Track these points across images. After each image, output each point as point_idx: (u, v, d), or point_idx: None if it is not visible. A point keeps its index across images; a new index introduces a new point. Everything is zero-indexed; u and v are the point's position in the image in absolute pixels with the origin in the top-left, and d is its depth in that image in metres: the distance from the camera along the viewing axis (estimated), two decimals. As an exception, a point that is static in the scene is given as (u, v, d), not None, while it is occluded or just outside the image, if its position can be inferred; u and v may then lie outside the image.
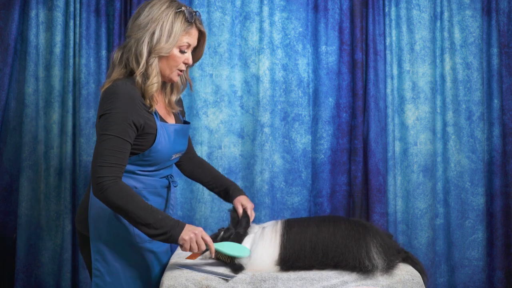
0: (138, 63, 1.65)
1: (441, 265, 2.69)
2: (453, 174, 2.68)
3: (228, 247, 1.67)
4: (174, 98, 1.82)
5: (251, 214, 1.87)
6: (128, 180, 1.67)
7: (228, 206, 2.57)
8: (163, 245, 1.80)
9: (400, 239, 2.62)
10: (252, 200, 2.58)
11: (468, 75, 2.68)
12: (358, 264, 1.59)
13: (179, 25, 1.65)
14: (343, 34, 2.60)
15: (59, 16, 2.54)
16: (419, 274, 1.64)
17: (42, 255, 2.56)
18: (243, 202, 1.89)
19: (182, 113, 1.94)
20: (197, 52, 1.79)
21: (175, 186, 1.83)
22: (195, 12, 1.71)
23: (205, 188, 2.57)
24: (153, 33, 1.63)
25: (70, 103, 2.55)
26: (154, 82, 1.65)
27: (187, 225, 1.59)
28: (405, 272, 1.62)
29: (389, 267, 1.60)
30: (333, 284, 1.55)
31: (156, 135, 1.67)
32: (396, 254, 1.68)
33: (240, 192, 1.96)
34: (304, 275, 1.58)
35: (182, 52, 1.69)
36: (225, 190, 1.98)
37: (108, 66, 2.58)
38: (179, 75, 1.74)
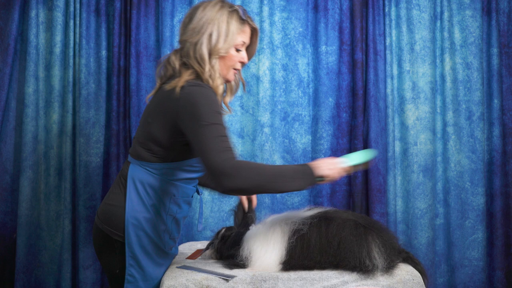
0: (202, 66, 1.62)
1: (441, 265, 2.68)
2: (453, 174, 2.68)
3: (355, 158, 1.67)
4: (228, 100, 1.78)
5: (254, 202, 1.90)
6: (168, 187, 1.67)
7: (228, 206, 2.58)
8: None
9: (400, 239, 2.61)
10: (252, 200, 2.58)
11: (468, 75, 2.68)
12: (358, 264, 1.59)
13: (234, 24, 1.64)
14: (343, 34, 2.60)
15: (59, 16, 2.54)
16: (419, 274, 1.64)
17: (42, 255, 2.56)
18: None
19: None
20: (250, 50, 1.76)
21: (201, 194, 1.84)
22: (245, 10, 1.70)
23: (205, 188, 2.57)
24: (210, 35, 1.62)
25: (70, 103, 2.55)
26: (219, 83, 1.64)
27: (316, 164, 1.57)
28: (405, 272, 1.62)
29: (389, 267, 1.60)
30: (333, 284, 1.55)
31: None
32: (397, 254, 1.68)
33: None
34: (304, 275, 1.58)
35: (237, 50, 1.68)
36: None
37: (109, 66, 2.58)
38: (234, 74, 1.72)
